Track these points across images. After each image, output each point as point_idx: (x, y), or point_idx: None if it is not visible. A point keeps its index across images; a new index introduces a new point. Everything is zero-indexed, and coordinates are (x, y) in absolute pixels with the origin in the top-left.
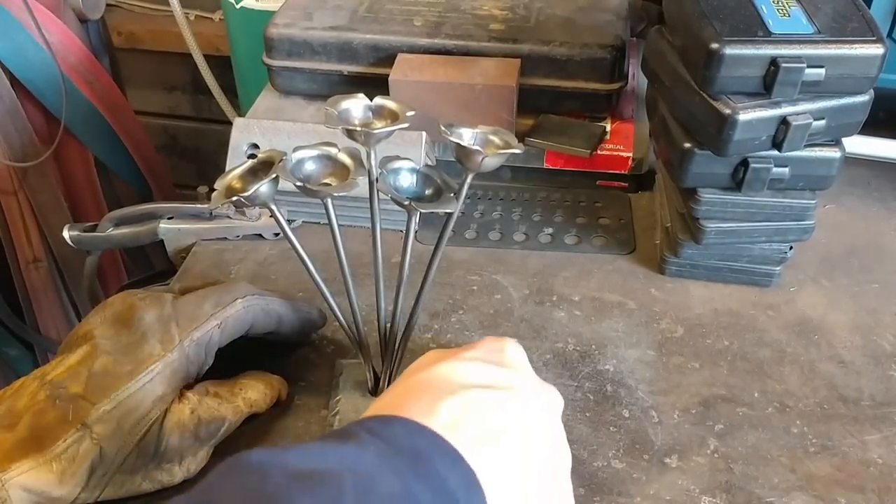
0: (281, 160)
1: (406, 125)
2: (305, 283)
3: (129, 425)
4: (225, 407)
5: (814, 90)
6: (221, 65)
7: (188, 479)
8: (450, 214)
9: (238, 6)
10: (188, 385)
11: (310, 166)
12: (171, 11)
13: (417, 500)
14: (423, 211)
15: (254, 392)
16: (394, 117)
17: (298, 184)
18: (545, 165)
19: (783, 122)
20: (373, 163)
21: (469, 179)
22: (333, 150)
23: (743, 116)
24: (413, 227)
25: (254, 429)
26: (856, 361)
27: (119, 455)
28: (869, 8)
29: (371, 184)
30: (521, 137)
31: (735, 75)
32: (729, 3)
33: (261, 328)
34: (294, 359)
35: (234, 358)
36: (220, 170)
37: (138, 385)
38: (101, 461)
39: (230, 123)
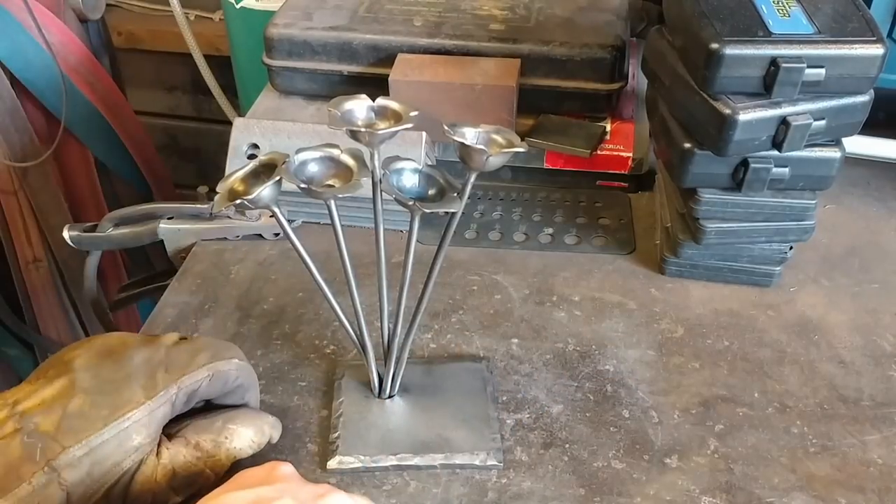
0: (284, 162)
1: (410, 125)
2: (306, 283)
3: (99, 473)
4: (205, 462)
5: (814, 90)
6: (221, 65)
7: None
8: (453, 214)
9: (238, 6)
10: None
11: (313, 168)
12: (171, 11)
13: None
14: (427, 211)
15: (240, 441)
16: (397, 118)
17: (303, 186)
18: (545, 165)
19: (783, 122)
20: (376, 163)
21: (472, 179)
22: (336, 152)
23: (743, 116)
24: (416, 227)
25: None
26: (856, 361)
27: (86, 502)
28: (869, 8)
29: (375, 185)
30: (521, 137)
31: (735, 75)
32: (729, 3)
33: (230, 398)
34: (294, 359)
35: None
36: (220, 170)
37: (113, 432)
38: None
39: (230, 123)
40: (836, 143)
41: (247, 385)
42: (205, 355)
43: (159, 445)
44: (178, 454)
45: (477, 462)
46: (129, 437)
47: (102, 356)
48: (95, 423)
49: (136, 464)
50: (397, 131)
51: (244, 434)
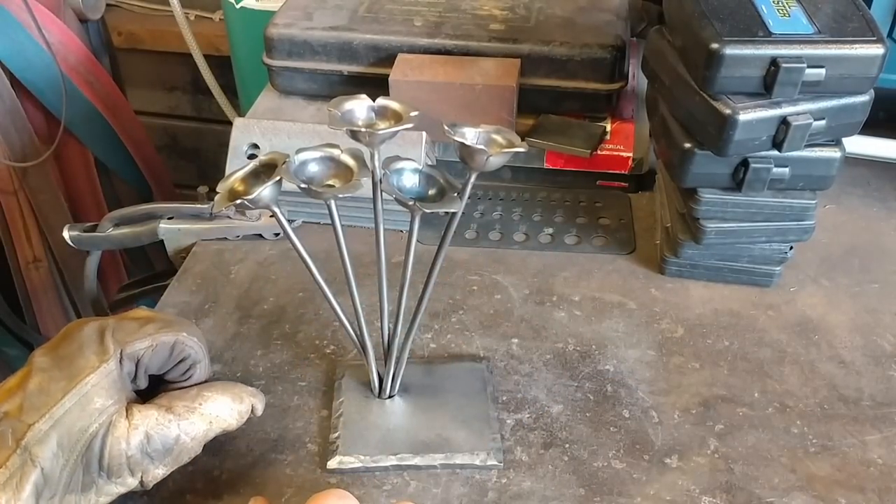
0: (284, 162)
1: (410, 125)
2: (305, 283)
3: (69, 443)
4: (178, 424)
5: (814, 90)
6: (221, 65)
7: (145, 490)
8: (453, 214)
9: (238, 6)
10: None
11: (313, 168)
12: (171, 11)
13: None
14: (427, 211)
15: (216, 407)
16: (397, 118)
17: (303, 186)
18: (545, 165)
19: (783, 122)
20: (377, 163)
21: (473, 179)
22: (336, 152)
23: (743, 116)
24: (416, 227)
25: (253, 430)
26: (856, 361)
27: (64, 474)
28: (869, 8)
29: (375, 185)
30: (521, 137)
31: (735, 75)
32: (729, 3)
33: (176, 372)
34: (294, 359)
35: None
36: (220, 170)
37: (74, 399)
38: (45, 483)
39: (230, 123)
40: (837, 143)
41: (193, 359)
42: (153, 326)
43: (130, 409)
44: (149, 416)
45: (477, 462)
46: (90, 400)
47: (59, 339)
48: (55, 395)
49: (105, 426)
50: (397, 131)
51: (220, 400)
